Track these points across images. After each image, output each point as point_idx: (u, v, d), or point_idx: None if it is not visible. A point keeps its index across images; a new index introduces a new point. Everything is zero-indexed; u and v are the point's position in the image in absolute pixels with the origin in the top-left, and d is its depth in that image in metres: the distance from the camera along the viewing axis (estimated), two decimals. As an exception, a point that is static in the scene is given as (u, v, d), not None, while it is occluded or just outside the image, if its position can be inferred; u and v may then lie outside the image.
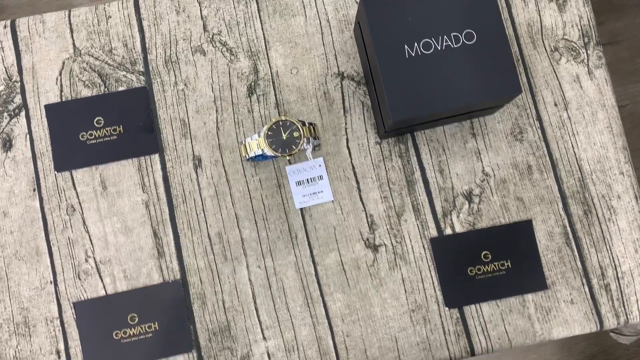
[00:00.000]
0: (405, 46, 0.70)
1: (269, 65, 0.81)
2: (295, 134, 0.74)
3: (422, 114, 0.70)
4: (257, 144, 0.74)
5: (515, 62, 0.79)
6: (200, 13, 0.82)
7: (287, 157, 0.74)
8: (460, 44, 0.71)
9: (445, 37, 0.71)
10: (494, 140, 0.81)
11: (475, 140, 0.81)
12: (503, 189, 0.80)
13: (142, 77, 0.81)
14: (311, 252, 0.78)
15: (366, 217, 0.79)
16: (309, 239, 0.78)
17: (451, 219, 0.79)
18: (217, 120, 0.80)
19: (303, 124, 0.74)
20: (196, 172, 0.79)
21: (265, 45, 0.82)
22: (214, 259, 0.77)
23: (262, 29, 0.82)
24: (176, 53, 0.81)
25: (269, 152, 0.73)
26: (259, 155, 0.75)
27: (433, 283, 0.78)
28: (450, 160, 0.80)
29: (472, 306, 0.78)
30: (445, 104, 0.70)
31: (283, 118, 0.74)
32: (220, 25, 0.82)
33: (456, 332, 0.77)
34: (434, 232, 0.79)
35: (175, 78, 0.81)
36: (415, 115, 0.70)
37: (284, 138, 0.73)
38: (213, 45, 0.82)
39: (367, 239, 0.78)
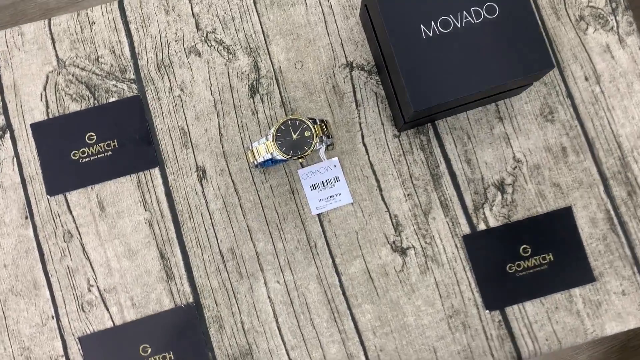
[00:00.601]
0: (421, 26, 0.63)
1: (271, 61, 0.75)
2: (306, 134, 0.67)
3: (446, 101, 0.63)
4: (265, 148, 0.67)
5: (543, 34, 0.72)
6: (192, 10, 0.75)
7: (300, 160, 0.67)
8: (481, 19, 0.64)
9: (464, 12, 0.63)
10: (523, 123, 0.74)
11: (502, 124, 0.74)
12: (537, 176, 0.73)
13: (134, 86, 0.74)
14: (333, 261, 0.71)
15: (390, 218, 0.72)
16: (329, 248, 0.71)
17: (484, 213, 0.72)
18: (219, 125, 0.73)
19: (314, 121, 0.67)
20: (201, 184, 0.72)
21: (265, 39, 0.75)
22: (228, 278, 0.71)
23: (260, 22, 0.75)
24: (169, 56, 0.74)
25: (279, 155, 0.66)
26: (268, 160, 0.68)
27: (470, 285, 0.71)
28: (477, 148, 0.73)
29: (515, 307, 0.71)
30: (470, 88, 0.63)
31: (292, 117, 0.67)
32: (214, 22, 0.75)
33: (500, 337, 0.70)
34: (466, 229, 0.72)
35: (170, 83, 0.74)
36: (438, 102, 0.63)
37: (294, 139, 0.67)
38: (208, 45, 0.75)
39: (394, 242, 0.72)
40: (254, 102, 0.74)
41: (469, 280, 0.71)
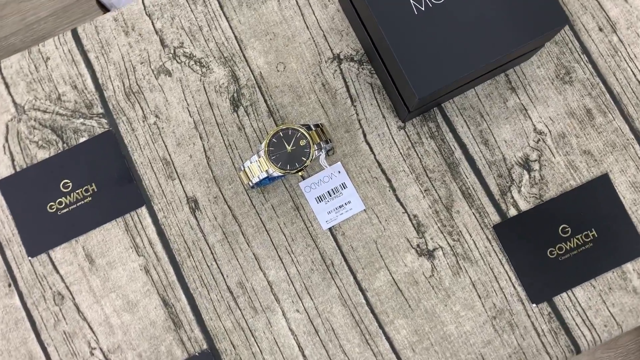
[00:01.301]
0: (411, 1, 0.56)
1: (249, 68, 0.67)
2: (302, 143, 0.59)
3: (453, 81, 0.55)
4: (259, 166, 0.59)
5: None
6: (153, 27, 0.68)
7: (300, 173, 0.59)
8: (477, -19, 0.56)
9: (457, -23, 0.56)
10: (539, 89, 0.66)
11: (516, 95, 0.66)
12: (565, 146, 0.65)
13: (103, 120, 0.66)
14: (355, 277, 0.64)
15: (410, 219, 0.64)
16: (348, 263, 0.64)
17: (512, 197, 0.65)
18: (204, 148, 0.66)
19: (308, 128, 0.60)
20: (195, 217, 0.65)
21: (239, 45, 0.67)
22: (241, 315, 0.63)
23: (231, 27, 0.68)
24: (136, 81, 0.67)
25: (275, 172, 0.59)
26: (264, 179, 0.61)
27: (510, 279, 0.63)
28: (492, 126, 0.66)
29: (564, 295, 0.63)
30: (477, 62, 0.55)
31: (282, 127, 0.59)
32: (180, 35, 0.68)
33: (552, 331, 0.62)
34: (495, 218, 0.64)
35: (143, 111, 0.66)
36: (444, 84, 0.55)
37: (289, 151, 0.59)
38: (178, 62, 0.67)
39: (418, 246, 0.64)
40: (238, 117, 0.66)
41: (508, 274, 0.63)
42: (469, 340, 0.62)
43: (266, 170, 0.59)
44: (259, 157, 0.60)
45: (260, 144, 0.61)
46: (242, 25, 0.68)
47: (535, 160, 0.65)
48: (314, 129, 0.60)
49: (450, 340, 0.62)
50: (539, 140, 0.65)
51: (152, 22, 0.68)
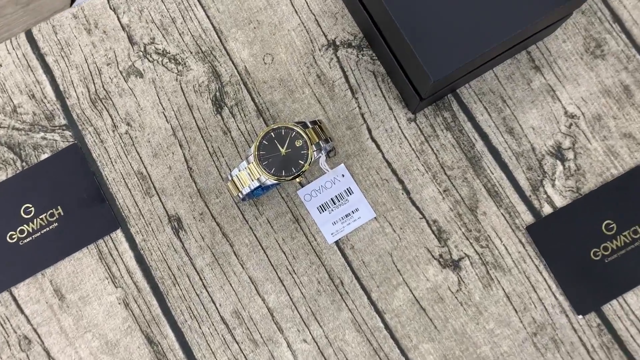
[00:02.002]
0: (417, -33, 0.47)
1: (232, 62, 0.58)
2: (298, 144, 0.50)
3: (472, 59, 0.46)
4: (249, 174, 0.50)
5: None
6: (119, 22, 0.59)
7: (297, 180, 0.50)
8: (494, -61, 0.47)
9: None
10: (567, 67, 0.57)
11: (541, 74, 0.57)
12: (601, 129, 0.56)
13: (67, 133, 0.57)
14: (369, 297, 0.54)
15: (429, 225, 0.55)
16: (360, 281, 0.55)
17: (545, 192, 0.56)
18: (185, 158, 0.57)
19: (304, 126, 0.51)
20: (179, 238, 0.56)
21: (219, 37, 0.59)
22: (239, 350, 0.54)
23: (208, 17, 0.59)
24: (103, 86, 0.58)
25: (268, 180, 0.50)
26: (256, 189, 0.52)
27: (550, 287, 0.54)
28: (517, 112, 0.57)
29: (614, 302, 0.54)
30: (497, 36, 0.47)
31: (274, 126, 0.50)
32: (150, 30, 0.59)
33: (604, 345, 0.53)
34: (527, 218, 0.55)
35: (112, 119, 0.57)
36: (463, 62, 0.46)
37: (284, 154, 0.50)
38: (150, 60, 0.58)
39: (441, 256, 0.55)
40: (222, 119, 0.57)
41: (547, 282, 0.54)
42: (507, 362, 0.53)
43: (258, 179, 0.50)
44: (249, 163, 0.51)
45: (250, 147, 0.52)
46: (220, 14, 0.59)
47: (569, 148, 0.56)
48: (311, 126, 0.51)
49: (485, 364, 0.53)
50: (571, 124, 0.56)
51: (118, 17, 0.59)
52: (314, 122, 0.51)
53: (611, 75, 0.57)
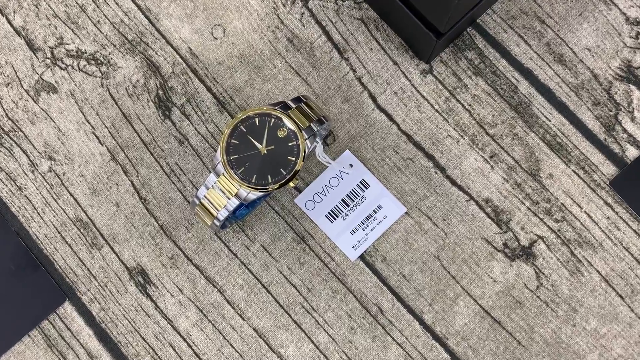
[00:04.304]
0: None
1: (171, 46, 0.43)
2: (281, 133, 0.35)
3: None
4: (221, 192, 0.35)
5: None
6: (11, 26, 0.44)
7: (291, 184, 0.35)
8: None
9: None
10: (614, -41, 0.43)
11: (584, -24, 0.43)
12: (680, 31, 0.42)
13: (-29, 187, 0.42)
14: (421, 322, 0.40)
15: (480, 208, 0.40)
16: (405, 303, 0.40)
17: (624, 129, 0.41)
18: (134, 187, 0.42)
19: (284, 107, 0.36)
20: (149, 296, 0.40)
21: (147, 16, 0.43)
22: None
23: (127, -6, 0.44)
24: (6, 114, 0.43)
25: (250, 192, 0.35)
26: (237, 208, 0.37)
27: (661, 256, 0.40)
28: (563, 32, 0.42)
29: None
30: None
31: (242, 115, 0.35)
32: (55, 27, 0.43)
33: None
34: (608, 169, 0.41)
35: (28, 156, 0.42)
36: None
37: (264, 152, 0.35)
38: (61, 67, 0.43)
39: (505, 244, 0.40)
40: (173, 124, 0.42)
41: (655, 250, 0.40)
42: (627, 370, 0.39)
43: (236, 194, 0.35)
44: (219, 175, 0.36)
45: (216, 152, 0.37)
46: (143, -14, 0.44)
47: (643, 66, 0.41)
48: (294, 106, 0.36)
49: (598, 379, 0.39)
50: (638, 34, 0.42)
51: (8, 19, 0.44)
52: (297, 100, 0.36)
53: (674, -41, 0.42)
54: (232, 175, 0.35)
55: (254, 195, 0.35)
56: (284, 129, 0.35)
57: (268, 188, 0.35)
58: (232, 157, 0.35)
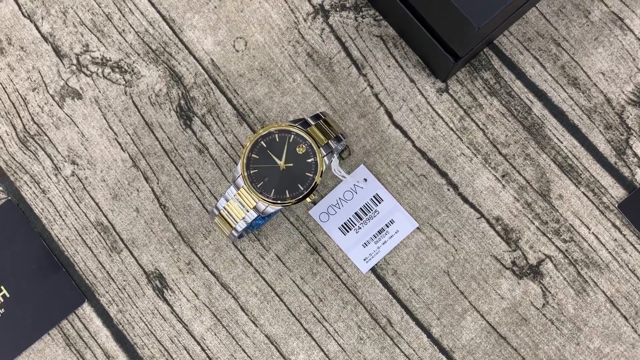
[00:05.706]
0: None
1: (193, 57, 0.44)
2: (300, 150, 0.36)
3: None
4: (240, 204, 0.36)
5: None
6: (39, 32, 0.45)
7: (308, 199, 0.36)
8: None
9: None
10: (632, -16, 0.43)
11: (600, 1, 0.43)
12: (693, 58, 0.42)
13: (-4, 187, 0.44)
14: (429, 335, 0.41)
15: (490, 225, 0.41)
16: (414, 316, 0.41)
17: (635, 154, 0.42)
18: (154, 194, 0.43)
19: (304, 124, 0.37)
20: (165, 300, 0.42)
21: (171, 26, 0.44)
22: None
23: (153, 4, 0.45)
24: (32, 118, 0.44)
25: (268, 207, 0.36)
26: (256, 220, 0.38)
27: (666, 280, 0.40)
28: (578, 55, 0.43)
29: None
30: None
31: (263, 132, 0.36)
32: (82, 34, 0.45)
33: None
34: (618, 192, 0.41)
35: (52, 160, 0.44)
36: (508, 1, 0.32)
37: (283, 167, 0.36)
38: (86, 74, 0.44)
39: (514, 263, 0.41)
40: (194, 133, 0.43)
41: (660, 273, 0.41)
42: (628, 389, 0.40)
43: (254, 207, 0.36)
44: (238, 188, 0.37)
45: (236, 166, 0.38)
46: (168, -3, 0.45)
47: (655, 91, 0.42)
48: (313, 123, 0.37)
49: (599, 397, 0.40)
50: (652, 59, 0.43)
51: (36, 26, 0.45)
52: (316, 117, 0.37)
53: (691, -14, 0.43)
54: (251, 189, 0.36)
55: (272, 209, 0.36)
56: (303, 145, 0.36)
57: (286, 202, 0.36)
58: (252, 172, 0.36)
